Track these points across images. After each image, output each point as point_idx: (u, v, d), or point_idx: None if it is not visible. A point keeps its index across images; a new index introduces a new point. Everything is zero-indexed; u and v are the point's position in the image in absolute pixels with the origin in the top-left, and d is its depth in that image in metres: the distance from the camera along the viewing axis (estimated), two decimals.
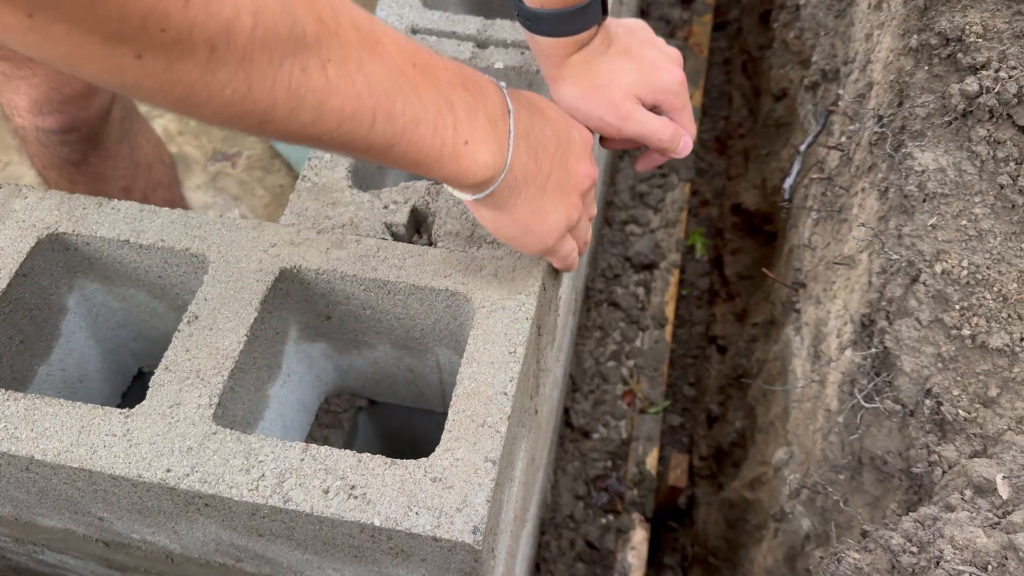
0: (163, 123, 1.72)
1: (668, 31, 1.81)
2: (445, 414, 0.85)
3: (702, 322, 1.49)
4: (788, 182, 0.90)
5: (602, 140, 0.81)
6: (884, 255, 0.67)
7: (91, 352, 0.81)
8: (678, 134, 0.75)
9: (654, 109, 0.76)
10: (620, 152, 1.61)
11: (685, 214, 1.54)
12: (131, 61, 0.40)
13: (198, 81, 0.41)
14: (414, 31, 0.85)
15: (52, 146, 1.00)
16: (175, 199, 1.22)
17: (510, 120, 0.56)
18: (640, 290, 1.46)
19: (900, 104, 0.68)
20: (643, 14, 1.80)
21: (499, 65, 0.82)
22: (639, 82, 0.74)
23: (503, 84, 0.58)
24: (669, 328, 1.41)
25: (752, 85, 1.72)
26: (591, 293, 1.46)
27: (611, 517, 1.25)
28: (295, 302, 0.71)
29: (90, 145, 1.01)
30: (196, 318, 0.65)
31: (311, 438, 0.86)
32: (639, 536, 1.23)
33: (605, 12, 0.73)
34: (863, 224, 0.71)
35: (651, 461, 1.28)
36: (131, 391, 0.89)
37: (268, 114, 0.45)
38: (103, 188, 1.07)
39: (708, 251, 1.58)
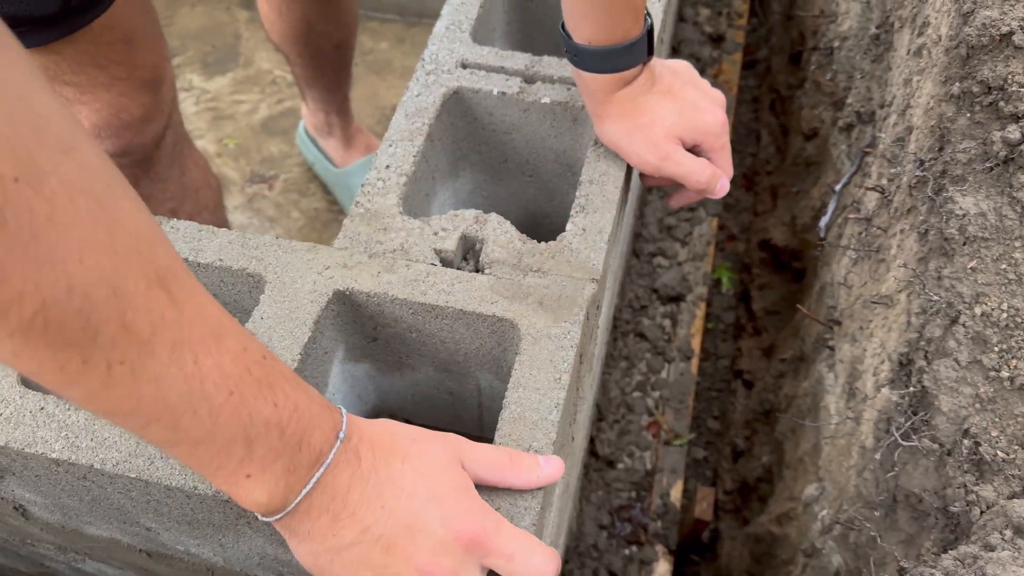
0: (202, 144, 1.76)
1: (699, 68, 1.84)
2: (480, 438, 0.87)
3: (727, 356, 1.50)
4: (824, 221, 0.92)
5: (641, 176, 0.83)
6: (924, 296, 0.69)
7: None
8: (715, 176, 0.77)
9: (694, 148, 0.79)
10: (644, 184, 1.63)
11: (712, 248, 1.56)
12: None
13: None
14: (464, 65, 0.88)
15: None
16: (219, 222, 1.25)
17: (316, 472, 0.50)
18: (667, 322, 1.47)
19: (941, 149, 0.70)
20: (674, 51, 1.83)
21: (546, 100, 0.85)
22: (680, 123, 0.76)
23: (345, 423, 0.52)
24: (695, 361, 1.42)
25: (780, 123, 1.74)
26: (618, 323, 1.48)
27: (634, 548, 1.25)
28: (345, 323, 0.73)
29: (141, 169, 1.04)
30: None
31: None
32: (662, 568, 1.23)
33: (651, 52, 0.76)
34: (904, 265, 0.72)
35: (675, 493, 1.29)
36: None
37: (35, 376, 0.42)
38: (150, 210, 1.10)
39: (734, 285, 1.59)
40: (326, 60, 1.40)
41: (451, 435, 0.57)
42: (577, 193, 0.77)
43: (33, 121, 0.37)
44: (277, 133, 1.79)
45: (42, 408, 0.64)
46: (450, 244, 0.74)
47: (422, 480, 0.52)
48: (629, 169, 0.81)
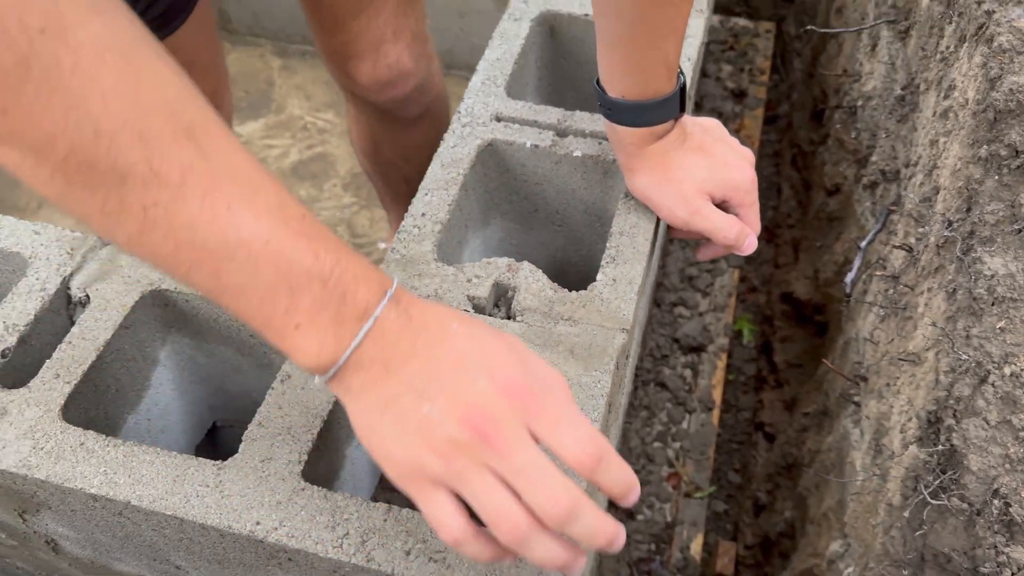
0: None
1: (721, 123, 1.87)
2: None
3: (748, 408, 1.50)
4: (850, 277, 0.93)
5: (669, 229, 0.84)
6: (952, 355, 0.69)
7: (174, 404, 0.84)
8: (744, 233, 0.78)
9: (722, 204, 0.80)
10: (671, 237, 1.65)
11: (733, 299, 1.57)
12: None
13: (20, 169, 0.44)
14: (499, 119, 0.90)
15: None
16: None
17: (365, 324, 0.49)
18: (688, 372, 1.47)
19: (969, 210, 0.71)
20: (697, 106, 1.87)
21: (577, 153, 0.87)
22: (710, 179, 0.78)
23: (395, 287, 0.51)
24: (716, 412, 1.42)
25: (802, 178, 1.76)
26: (639, 372, 1.48)
27: None
28: None
29: None
30: (289, 377, 0.69)
31: (374, 499, 0.88)
32: None
33: (683, 108, 0.78)
34: (932, 324, 0.73)
35: (696, 547, 1.28)
36: (203, 443, 0.92)
37: (86, 218, 0.46)
38: None
39: (755, 337, 1.59)
40: (396, 190, 1.42)
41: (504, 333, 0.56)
42: (608, 244, 0.79)
43: None
44: (306, 177, 1.82)
45: (82, 443, 0.65)
46: (483, 291, 0.75)
47: (474, 341, 0.52)
48: (658, 222, 0.83)
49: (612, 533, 0.51)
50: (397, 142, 1.30)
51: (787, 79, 2.06)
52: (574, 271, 0.99)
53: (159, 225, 0.45)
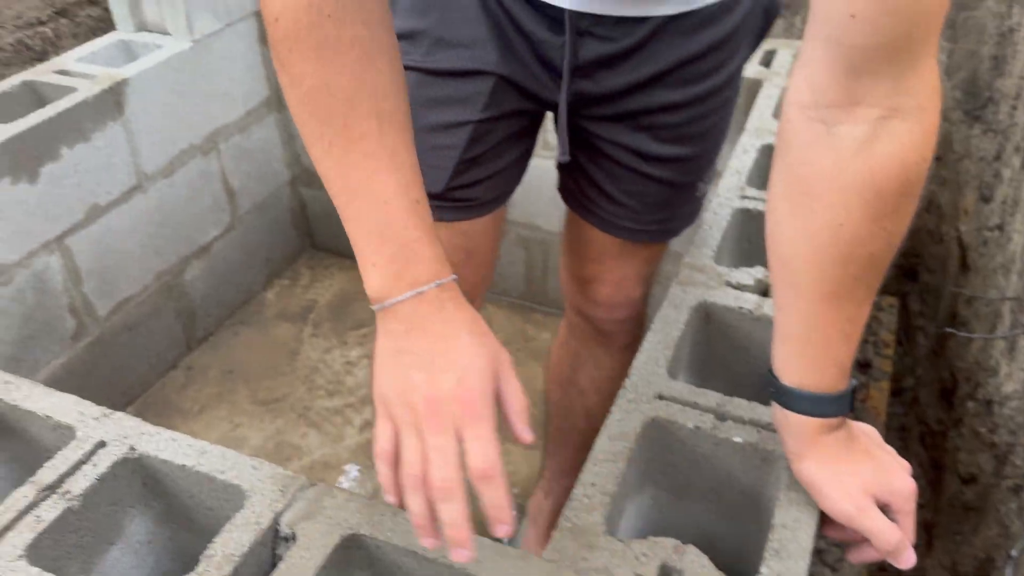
0: None
1: None
2: None
3: None
4: None
5: (824, 527, 0.87)
6: None
7: None
8: (904, 542, 0.81)
9: (882, 509, 0.83)
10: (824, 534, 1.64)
11: None
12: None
13: (285, 89, 0.71)
14: (661, 397, 0.99)
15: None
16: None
17: (409, 291, 0.70)
18: None
19: None
20: None
21: (737, 439, 0.94)
22: (874, 481, 0.82)
23: (447, 282, 0.72)
24: None
25: (930, 457, 1.75)
26: None
27: None
28: None
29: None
30: None
31: None
32: None
33: (852, 407, 0.84)
34: None
35: None
36: None
37: (306, 137, 0.71)
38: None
39: None
40: (570, 426, 1.49)
41: (501, 354, 0.72)
42: (770, 536, 0.83)
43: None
44: None
45: None
46: (650, 571, 0.80)
47: (469, 352, 0.70)
48: (819, 517, 0.87)
49: (464, 536, 0.66)
50: (598, 367, 1.40)
51: (911, 353, 2.10)
52: (722, 546, 1.02)
53: (334, 157, 0.70)
